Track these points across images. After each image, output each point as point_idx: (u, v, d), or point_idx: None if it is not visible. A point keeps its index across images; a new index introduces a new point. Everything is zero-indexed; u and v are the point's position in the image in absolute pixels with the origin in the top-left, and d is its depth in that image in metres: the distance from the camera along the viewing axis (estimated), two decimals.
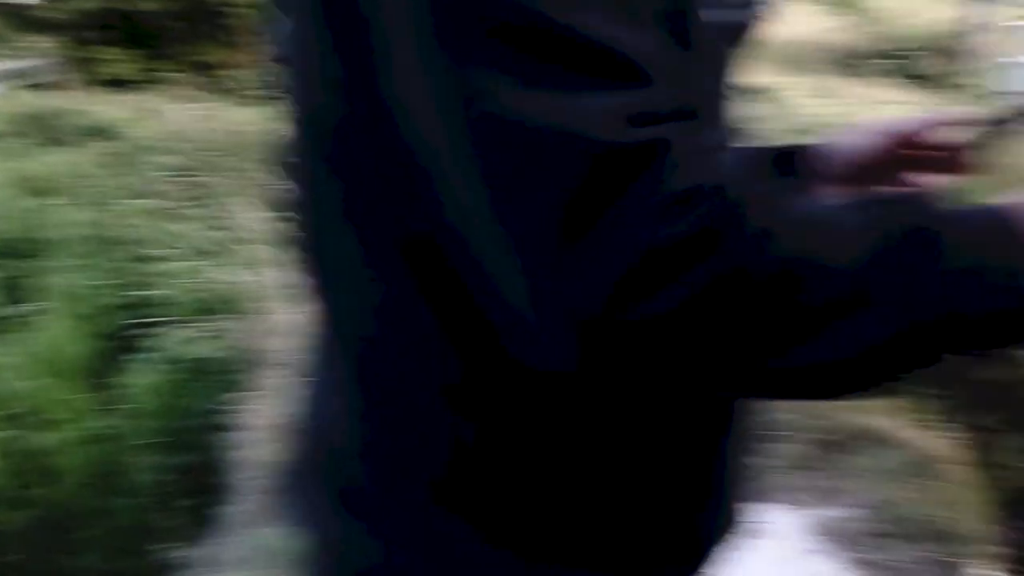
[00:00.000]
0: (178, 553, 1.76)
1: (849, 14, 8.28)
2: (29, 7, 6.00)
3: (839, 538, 1.98)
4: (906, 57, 6.78)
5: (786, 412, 2.35)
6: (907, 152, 0.52)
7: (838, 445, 2.24)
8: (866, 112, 5.54)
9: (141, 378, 2.22)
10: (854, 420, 2.31)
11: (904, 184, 0.52)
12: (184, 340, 2.42)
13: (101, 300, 2.60)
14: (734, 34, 0.46)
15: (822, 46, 7.77)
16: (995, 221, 0.37)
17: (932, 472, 2.19)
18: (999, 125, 0.49)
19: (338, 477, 0.48)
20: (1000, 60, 5.19)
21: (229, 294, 2.72)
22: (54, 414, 2.04)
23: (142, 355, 2.35)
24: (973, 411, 3.15)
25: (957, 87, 4.94)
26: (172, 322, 2.53)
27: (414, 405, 0.42)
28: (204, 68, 5.82)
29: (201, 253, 3.03)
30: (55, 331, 2.35)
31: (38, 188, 3.54)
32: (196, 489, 1.94)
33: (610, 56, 0.33)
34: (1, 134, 4.36)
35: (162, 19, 5.94)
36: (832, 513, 2.03)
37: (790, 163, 0.52)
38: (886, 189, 0.51)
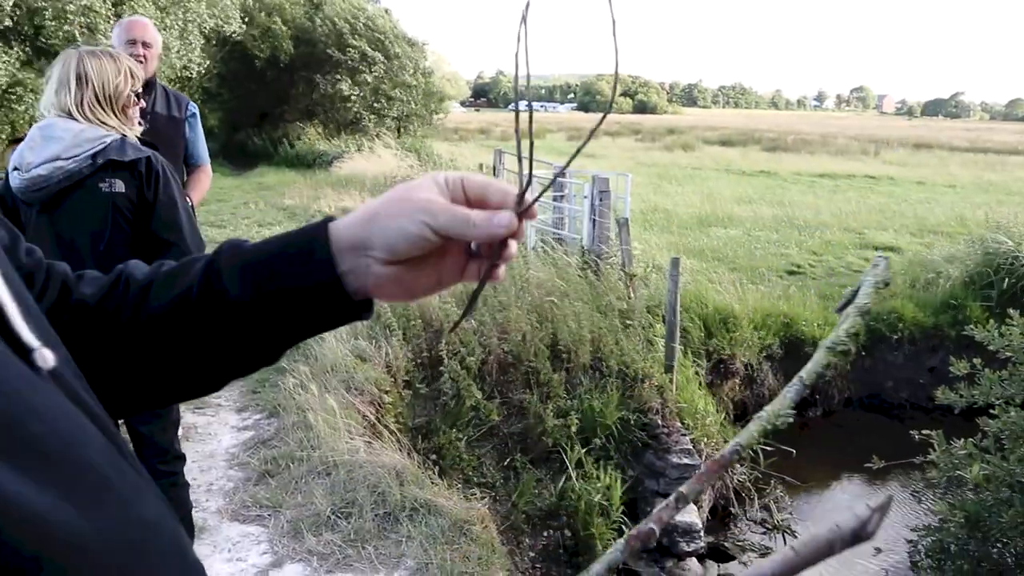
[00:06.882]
0: None
1: (416, 156, 11.86)
2: None
3: None
4: None
5: (350, 491, 2.71)
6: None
7: (394, 517, 2.65)
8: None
9: None
10: (406, 493, 2.75)
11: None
12: None
13: None
14: None
15: (396, 178, 10.21)
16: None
17: (467, 533, 2.66)
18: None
19: None
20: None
21: None
22: None
23: None
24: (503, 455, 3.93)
25: None
26: None
27: None
28: None
29: None
30: None
31: None
32: None
33: None
34: None
35: None
36: None
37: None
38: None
